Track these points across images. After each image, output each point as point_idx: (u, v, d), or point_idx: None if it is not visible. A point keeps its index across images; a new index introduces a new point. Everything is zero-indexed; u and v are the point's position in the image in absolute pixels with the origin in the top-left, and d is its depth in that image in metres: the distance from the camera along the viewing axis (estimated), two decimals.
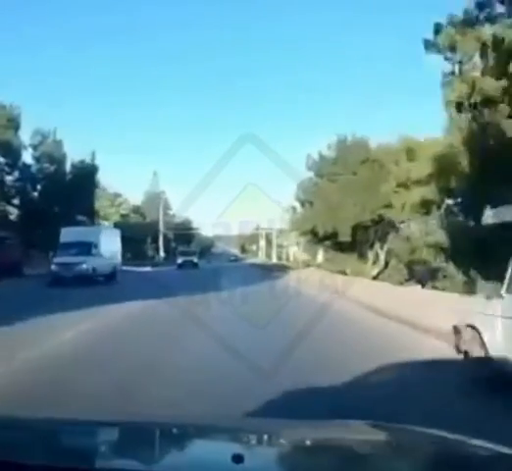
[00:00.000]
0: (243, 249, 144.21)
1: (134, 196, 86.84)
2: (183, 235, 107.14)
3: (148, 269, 54.66)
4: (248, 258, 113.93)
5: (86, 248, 31.04)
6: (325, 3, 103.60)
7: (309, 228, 34.91)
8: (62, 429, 2.58)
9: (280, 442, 2.53)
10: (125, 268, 50.97)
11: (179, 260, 57.12)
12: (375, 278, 34.12)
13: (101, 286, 28.45)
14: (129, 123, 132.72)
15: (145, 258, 71.43)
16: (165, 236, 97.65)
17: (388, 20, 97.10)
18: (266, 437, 2.61)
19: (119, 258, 35.63)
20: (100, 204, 69.55)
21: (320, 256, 55.94)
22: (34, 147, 41.63)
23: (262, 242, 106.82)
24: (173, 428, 2.68)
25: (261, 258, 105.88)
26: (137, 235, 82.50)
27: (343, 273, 37.21)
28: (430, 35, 20.35)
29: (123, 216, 70.50)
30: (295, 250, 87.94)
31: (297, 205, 39.07)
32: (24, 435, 2.36)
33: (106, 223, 53.65)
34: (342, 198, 32.73)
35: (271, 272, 45.31)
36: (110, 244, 33.55)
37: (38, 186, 41.00)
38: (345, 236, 32.47)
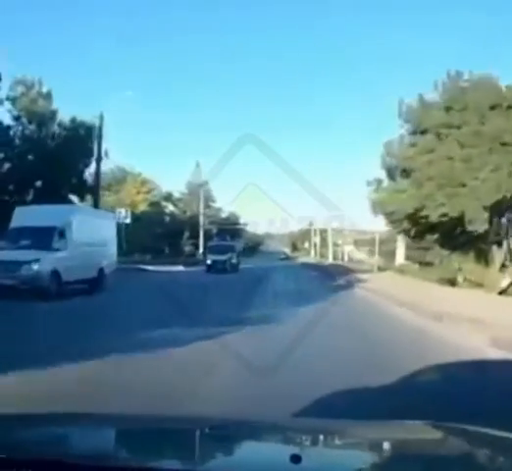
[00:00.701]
0: (294, 247, 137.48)
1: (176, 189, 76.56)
2: (229, 230, 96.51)
3: (179, 269, 43.88)
4: (299, 257, 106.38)
5: (45, 238, 18.99)
6: None
7: (407, 210, 21.63)
8: (113, 426, 2.61)
9: (337, 442, 2.53)
10: (149, 267, 39.97)
11: (209, 259, 41.35)
12: (503, 292, 21.73)
13: (53, 306, 16.11)
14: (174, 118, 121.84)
15: (180, 255, 61.93)
16: (207, 232, 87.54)
17: None
18: (324, 437, 2.57)
19: (111, 254, 23.34)
20: (127, 191, 58.22)
21: (400, 255, 43.06)
22: (13, 101, 29.81)
23: (316, 239, 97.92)
24: (228, 428, 2.65)
25: (313, 257, 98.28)
26: (172, 229, 71.54)
27: (451, 282, 24.46)
28: None
29: (152, 204, 58.48)
30: (351, 249, 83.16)
31: (384, 177, 25.41)
32: (72, 432, 2.40)
33: (124, 212, 41.46)
34: (464, 162, 19.77)
35: (331, 277, 32.93)
36: (92, 233, 21.37)
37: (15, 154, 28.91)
38: (477, 224, 19.42)
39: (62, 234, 19.61)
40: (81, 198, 31.60)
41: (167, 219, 63.90)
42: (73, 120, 30.70)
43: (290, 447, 2.29)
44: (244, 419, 3.15)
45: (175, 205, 63.68)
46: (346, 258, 78.14)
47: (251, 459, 2.12)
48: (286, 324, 11.98)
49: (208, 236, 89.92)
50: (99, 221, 22.56)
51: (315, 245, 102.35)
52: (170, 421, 2.80)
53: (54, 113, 30.61)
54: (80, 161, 30.26)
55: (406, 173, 22.40)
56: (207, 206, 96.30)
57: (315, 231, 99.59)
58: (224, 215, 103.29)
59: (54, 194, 26.95)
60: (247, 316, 13.00)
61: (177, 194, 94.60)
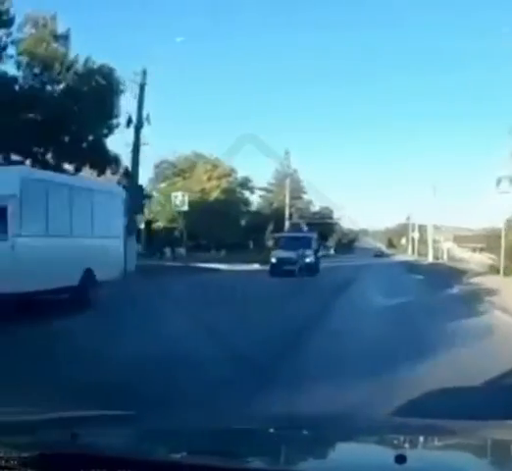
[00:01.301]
0: (390, 244, 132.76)
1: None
2: (319, 225, 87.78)
3: (254, 267, 36.95)
4: (396, 254, 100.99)
5: None
6: None
7: None
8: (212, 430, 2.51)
9: (442, 443, 2.44)
10: (220, 266, 32.71)
11: (274, 257, 29.97)
12: None
13: None
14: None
15: (262, 251, 54.17)
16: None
17: None
18: (428, 437, 2.47)
19: (113, 250, 15.08)
20: (196, 176, 50.42)
21: None
22: (17, 44, 22.26)
23: (414, 234, 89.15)
24: (326, 428, 2.61)
25: (411, 255, 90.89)
26: (254, 222, 63.63)
27: None
28: None
29: (226, 192, 50.26)
30: (450, 246, 75.36)
31: None
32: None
33: (180, 196, 33.43)
34: None
35: (443, 284, 24.12)
36: (71, 215, 13.36)
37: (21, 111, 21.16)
38: None
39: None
40: (101, 172, 23.84)
41: (244, 209, 55.64)
42: (87, 63, 22.64)
43: (394, 447, 2.18)
44: (342, 419, 3.18)
45: (251, 192, 55.29)
46: (445, 256, 70.79)
47: (355, 460, 2.09)
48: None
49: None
50: (87, 197, 14.34)
51: (413, 241, 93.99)
52: (265, 420, 2.83)
53: (71, 61, 22.80)
54: (99, 123, 22.27)
55: None
56: (296, 198, 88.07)
57: (413, 225, 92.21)
58: (315, 208, 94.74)
59: (58, 167, 19.16)
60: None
61: (262, 184, 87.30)
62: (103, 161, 23.53)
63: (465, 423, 3.04)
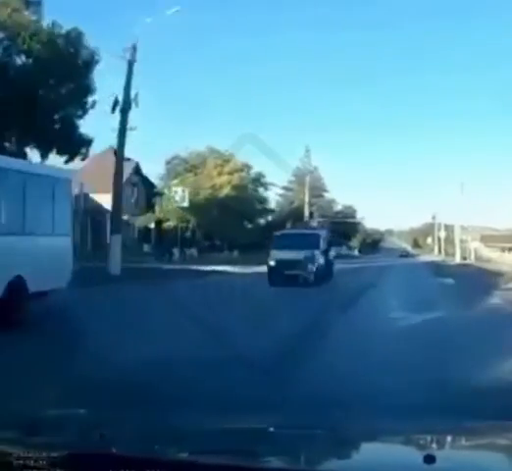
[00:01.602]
0: (416, 243, 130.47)
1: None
2: (341, 225, 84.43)
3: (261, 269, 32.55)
4: (422, 255, 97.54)
5: None
6: None
7: None
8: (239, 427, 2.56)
9: (470, 443, 2.44)
10: (228, 268, 29.78)
11: (272, 260, 23.68)
12: None
13: None
14: None
15: None
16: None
17: None
18: (456, 437, 2.49)
19: (55, 253, 11.47)
20: (207, 171, 46.85)
21: None
22: None
23: (441, 233, 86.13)
24: (354, 429, 2.59)
25: (437, 255, 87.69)
26: (272, 221, 60.17)
27: None
28: None
29: (237, 187, 46.49)
30: (477, 246, 73.75)
31: None
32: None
33: (181, 191, 29.92)
34: None
35: (479, 291, 20.39)
36: None
37: None
38: None
39: None
40: (71, 158, 20.36)
41: (259, 207, 51.96)
42: (53, 28, 18.95)
43: (422, 448, 2.17)
44: (370, 418, 3.25)
45: (266, 188, 51.48)
46: (472, 256, 68.25)
47: (383, 459, 2.08)
48: None
49: None
50: (16, 183, 10.84)
51: (439, 241, 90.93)
52: (291, 419, 2.88)
53: (38, 28, 19.22)
54: (68, 99, 18.75)
55: None
56: (317, 196, 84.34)
57: (439, 225, 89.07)
58: (338, 208, 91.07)
59: (18, 153, 15.76)
60: None
61: (283, 182, 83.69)
62: (73, 145, 20.00)
63: (494, 424, 3.02)
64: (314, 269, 23.17)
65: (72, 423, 2.34)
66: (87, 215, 40.00)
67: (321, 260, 24.23)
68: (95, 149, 26.41)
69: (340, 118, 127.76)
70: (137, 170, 49.76)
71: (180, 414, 3.50)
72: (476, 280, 28.11)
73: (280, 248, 24.02)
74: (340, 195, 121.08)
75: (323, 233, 27.45)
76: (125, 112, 22.49)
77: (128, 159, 52.61)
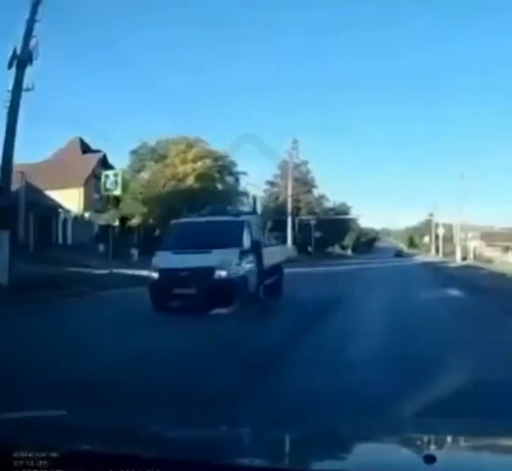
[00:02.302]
0: (411, 243, 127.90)
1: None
2: (333, 223, 78.40)
3: None
4: (417, 255, 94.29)
5: None
6: None
7: None
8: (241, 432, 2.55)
9: (471, 443, 2.42)
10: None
11: (155, 270, 13.87)
12: None
13: None
14: None
15: None
16: (302, 224, 70.25)
17: None
18: (457, 437, 2.49)
19: None
20: (170, 159, 39.81)
21: None
22: None
23: (439, 231, 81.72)
24: (357, 429, 2.60)
25: (435, 255, 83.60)
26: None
27: None
28: None
29: (202, 177, 39.62)
30: (476, 245, 69.90)
31: None
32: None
33: (112, 176, 23.43)
34: None
35: (499, 312, 13.87)
36: None
37: None
38: None
39: None
40: None
41: (231, 200, 45.47)
42: None
43: (422, 447, 2.17)
44: (371, 418, 3.32)
45: (237, 179, 44.72)
46: (472, 256, 65.44)
47: (384, 459, 2.07)
48: None
49: (306, 229, 71.91)
50: None
51: (436, 240, 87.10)
52: (291, 418, 3.02)
53: None
54: None
55: None
56: (305, 192, 78.01)
57: (436, 223, 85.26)
58: (329, 204, 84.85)
59: None
60: None
61: (268, 177, 77.22)
62: None
63: (494, 423, 3.01)
64: (236, 284, 13.52)
65: (69, 422, 2.34)
66: (31, 211, 34.30)
67: (250, 267, 14.20)
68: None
69: (335, 115, 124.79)
70: (104, 162, 43.88)
71: None
72: (492, 290, 21.08)
73: (174, 248, 14.27)
74: (334, 193, 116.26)
75: (249, 220, 15.27)
76: (21, 66, 18.10)
77: (99, 151, 46.56)
